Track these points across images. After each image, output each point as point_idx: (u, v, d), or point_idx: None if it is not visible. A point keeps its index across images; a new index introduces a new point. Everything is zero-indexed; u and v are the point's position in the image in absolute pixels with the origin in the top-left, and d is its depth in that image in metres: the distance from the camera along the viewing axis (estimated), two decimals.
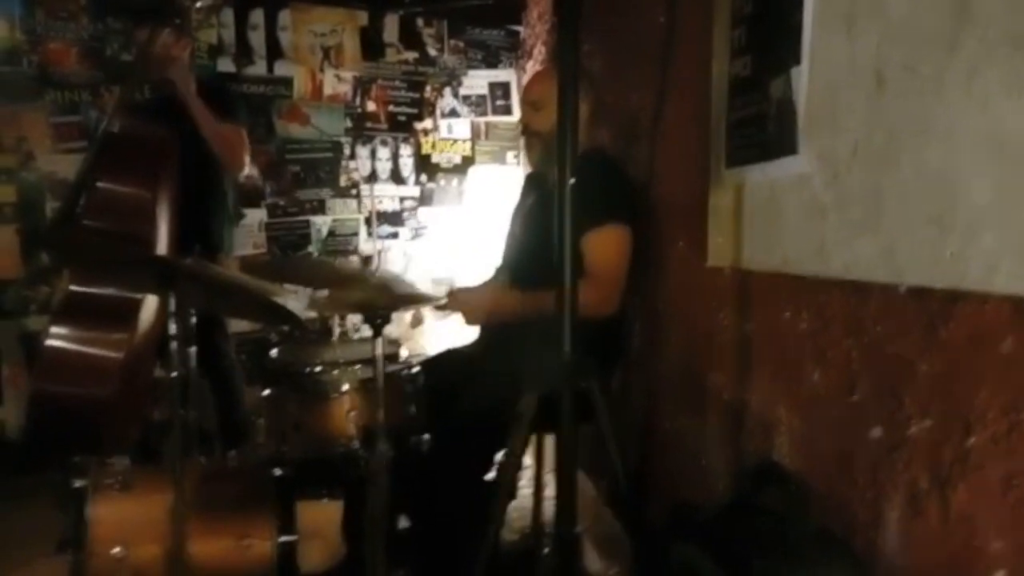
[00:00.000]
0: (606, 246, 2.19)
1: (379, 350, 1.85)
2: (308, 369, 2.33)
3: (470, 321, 2.20)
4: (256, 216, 4.36)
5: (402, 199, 4.70)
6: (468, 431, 2.12)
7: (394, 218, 4.69)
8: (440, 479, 2.10)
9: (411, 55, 4.68)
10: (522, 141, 2.48)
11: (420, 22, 4.68)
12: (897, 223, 1.20)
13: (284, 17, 4.38)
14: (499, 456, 2.18)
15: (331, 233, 4.56)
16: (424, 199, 4.74)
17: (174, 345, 1.83)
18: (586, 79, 2.37)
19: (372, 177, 4.62)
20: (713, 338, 1.92)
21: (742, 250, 1.75)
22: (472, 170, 4.66)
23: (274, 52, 4.36)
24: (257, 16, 4.32)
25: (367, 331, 1.89)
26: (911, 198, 1.17)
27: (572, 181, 1.59)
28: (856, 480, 1.32)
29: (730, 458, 1.83)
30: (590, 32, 2.99)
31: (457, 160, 4.79)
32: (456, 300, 2.16)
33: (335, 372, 2.38)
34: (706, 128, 1.99)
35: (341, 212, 4.57)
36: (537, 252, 2.33)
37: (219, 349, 3.17)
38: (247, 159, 3.20)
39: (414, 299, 2.06)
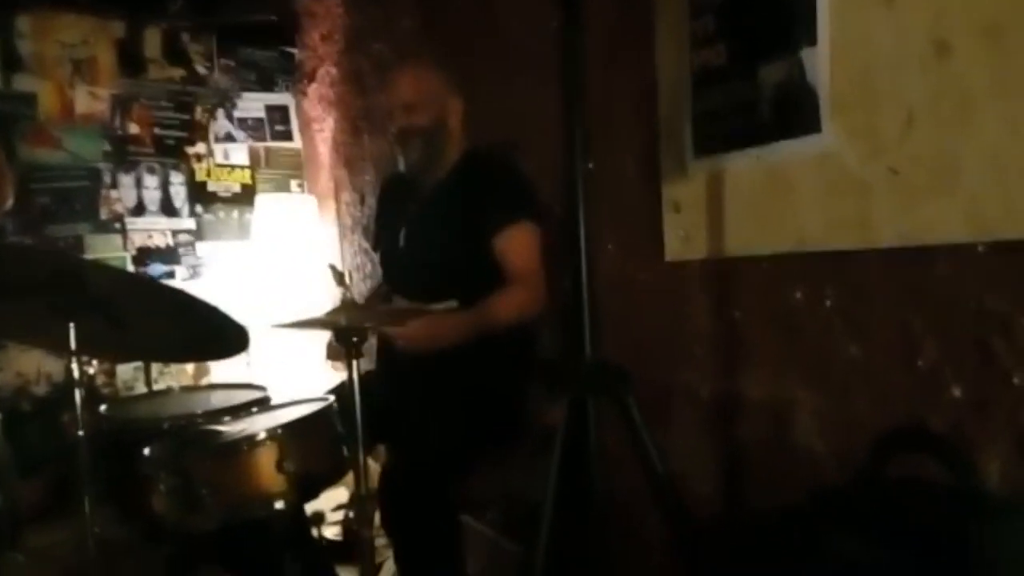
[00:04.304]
0: (523, 244, 2.07)
1: (355, 374, 1.56)
2: (201, 421, 1.95)
3: (417, 347, 1.90)
4: None
5: (175, 233, 4.14)
6: (420, 463, 1.87)
7: (167, 255, 4.11)
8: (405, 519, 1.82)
9: (177, 72, 4.18)
10: (395, 145, 2.26)
11: (186, 37, 4.20)
12: (982, 182, 1.25)
13: (23, 24, 3.69)
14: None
15: None
16: (201, 233, 4.22)
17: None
18: (458, 81, 2.25)
19: (139, 209, 4.02)
20: (680, 334, 1.88)
21: (724, 239, 1.74)
22: (259, 199, 4.24)
23: (11, 63, 3.66)
24: None
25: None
26: (999, 156, 1.22)
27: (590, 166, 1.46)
28: None
29: (723, 454, 1.80)
30: (462, 40, 2.87)
31: (236, 189, 4.34)
32: (415, 327, 1.87)
33: (229, 420, 2.01)
34: (639, 124, 1.98)
35: (103, 250, 3.92)
36: (435, 259, 2.14)
37: None
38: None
39: (382, 317, 1.77)
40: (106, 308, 1.40)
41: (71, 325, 1.35)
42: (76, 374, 1.37)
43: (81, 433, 1.36)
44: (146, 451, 1.83)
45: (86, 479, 1.39)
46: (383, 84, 2.31)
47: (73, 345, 1.35)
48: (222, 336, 1.49)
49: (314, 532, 2.71)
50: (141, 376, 3.89)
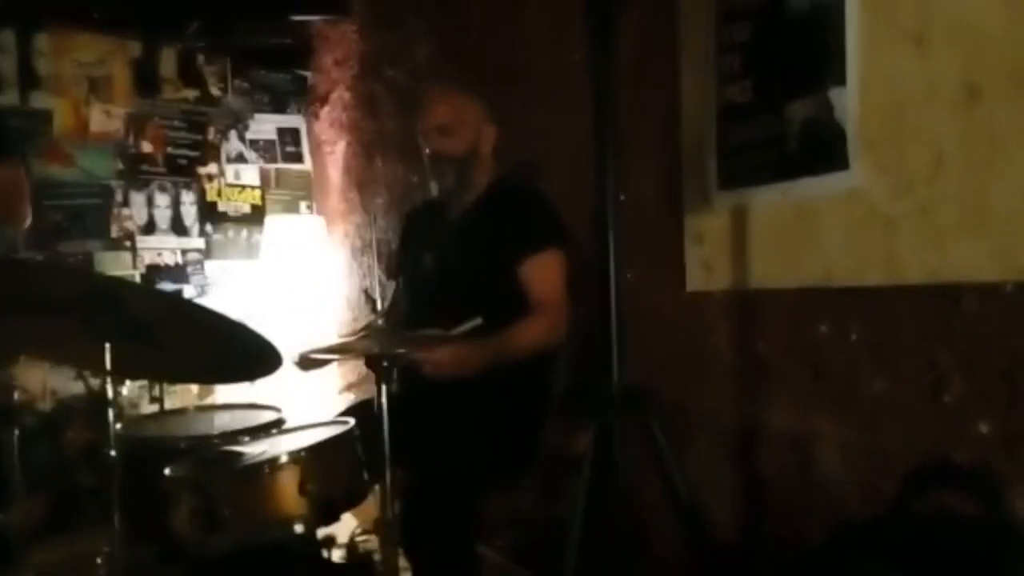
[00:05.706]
0: (549, 272, 2.09)
1: (384, 399, 1.57)
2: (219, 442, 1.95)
3: (443, 374, 1.90)
4: None
5: (185, 251, 4.16)
6: (439, 488, 1.88)
7: (176, 273, 4.12)
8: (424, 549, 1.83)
9: (191, 93, 4.21)
10: (427, 167, 2.27)
11: (201, 58, 4.24)
12: (1012, 222, 1.27)
13: (41, 42, 3.72)
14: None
15: None
16: (210, 252, 4.23)
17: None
18: (489, 108, 2.27)
19: (149, 227, 4.04)
20: (701, 364, 1.90)
21: (748, 271, 1.76)
22: (269, 219, 4.26)
23: (29, 81, 3.68)
24: (7, 38, 3.63)
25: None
26: None
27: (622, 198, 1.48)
28: None
29: (744, 483, 1.81)
30: (477, 68, 2.90)
31: (246, 209, 4.36)
32: (442, 354, 1.87)
33: (247, 441, 2.01)
34: (662, 155, 2.01)
35: (112, 268, 3.91)
36: (461, 284, 2.15)
37: None
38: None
39: (410, 343, 1.78)
40: (140, 329, 1.41)
41: (107, 345, 1.36)
42: (110, 394, 1.37)
43: (113, 452, 1.37)
44: (167, 470, 1.83)
45: (114, 497, 1.39)
46: (418, 103, 2.29)
47: (108, 365, 1.36)
48: (254, 356, 1.50)
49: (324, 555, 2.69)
50: (146, 394, 3.88)
